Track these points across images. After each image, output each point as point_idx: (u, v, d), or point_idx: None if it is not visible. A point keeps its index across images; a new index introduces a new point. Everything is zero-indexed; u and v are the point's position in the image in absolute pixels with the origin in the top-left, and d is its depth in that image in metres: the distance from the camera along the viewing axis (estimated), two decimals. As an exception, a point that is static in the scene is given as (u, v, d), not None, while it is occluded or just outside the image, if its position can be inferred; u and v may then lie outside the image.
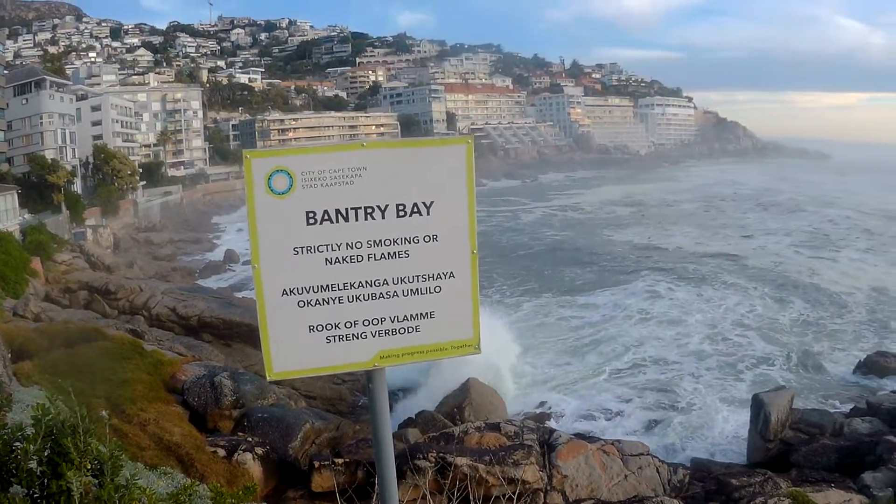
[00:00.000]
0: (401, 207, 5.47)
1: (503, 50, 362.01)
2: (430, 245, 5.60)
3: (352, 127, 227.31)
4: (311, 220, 5.33)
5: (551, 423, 33.78)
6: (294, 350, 5.51)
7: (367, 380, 5.81)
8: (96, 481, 6.25)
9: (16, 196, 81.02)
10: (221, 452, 23.96)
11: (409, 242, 5.54)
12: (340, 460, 24.91)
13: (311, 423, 27.27)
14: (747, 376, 44.78)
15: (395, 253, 5.53)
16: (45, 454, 5.79)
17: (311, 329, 5.47)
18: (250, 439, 25.41)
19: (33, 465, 6.23)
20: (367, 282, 5.51)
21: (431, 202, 5.55)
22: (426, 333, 5.70)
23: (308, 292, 5.44)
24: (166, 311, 57.79)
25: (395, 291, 5.58)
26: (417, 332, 5.69)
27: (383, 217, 5.46)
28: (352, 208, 5.37)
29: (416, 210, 5.52)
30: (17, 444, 6.14)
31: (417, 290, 5.62)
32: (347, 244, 5.41)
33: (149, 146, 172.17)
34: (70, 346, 30.72)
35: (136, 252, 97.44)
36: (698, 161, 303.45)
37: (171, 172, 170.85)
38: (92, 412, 6.81)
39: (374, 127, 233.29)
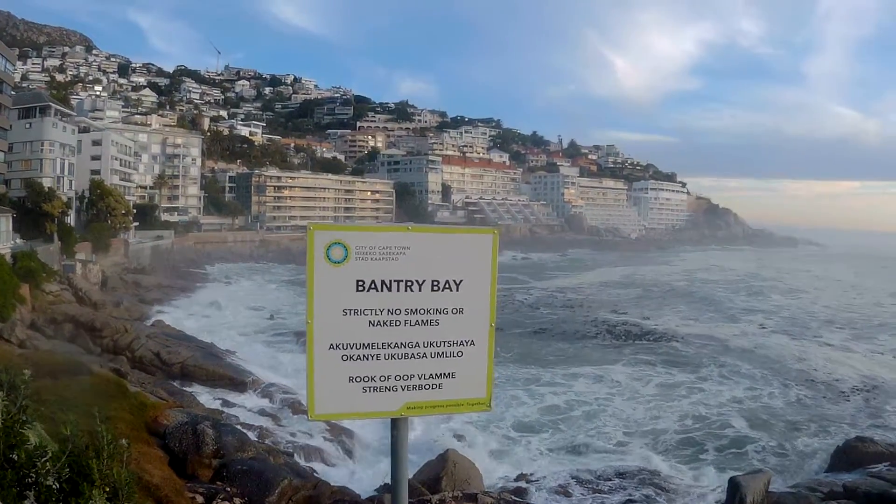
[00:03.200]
0: (435, 283, 6.39)
1: (502, 125, 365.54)
2: (456, 316, 6.47)
3: (348, 191, 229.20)
4: (360, 288, 6.15)
5: (529, 497, 33.72)
6: (334, 395, 6.26)
7: (392, 428, 6.48)
8: (110, 504, 6.41)
9: (10, 219, 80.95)
10: (200, 499, 23.89)
11: (440, 313, 6.41)
12: (316, 518, 24.89)
13: (290, 479, 27.15)
14: (727, 457, 44.83)
15: (427, 321, 6.36)
16: (66, 472, 6.15)
17: (350, 379, 6.23)
18: (229, 489, 25.34)
19: (51, 481, 6.35)
20: (401, 343, 6.29)
21: (461, 280, 6.47)
22: (447, 390, 6.54)
23: (351, 348, 6.20)
24: (150, 354, 57.64)
25: (424, 353, 6.39)
26: (440, 388, 6.52)
27: (420, 290, 6.32)
28: (395, 280, 6.22)
29: (447, 286, 6.43)
30: (37, 460, 6.26)
31: (443, 353, 6.46)
32: (389, 310, 6.22)
33: (145, 188, 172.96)
34: (55, 377, 30.59)
35: (123, 292, 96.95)
36: (690, 246, 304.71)
37: (165, 217, 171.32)
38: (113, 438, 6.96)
39: (369, 193, 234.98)
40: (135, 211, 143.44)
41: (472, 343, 6.51)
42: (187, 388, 50.36)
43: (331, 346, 6.15)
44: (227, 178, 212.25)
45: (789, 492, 33.40)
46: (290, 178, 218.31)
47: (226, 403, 47.57)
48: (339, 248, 6.06)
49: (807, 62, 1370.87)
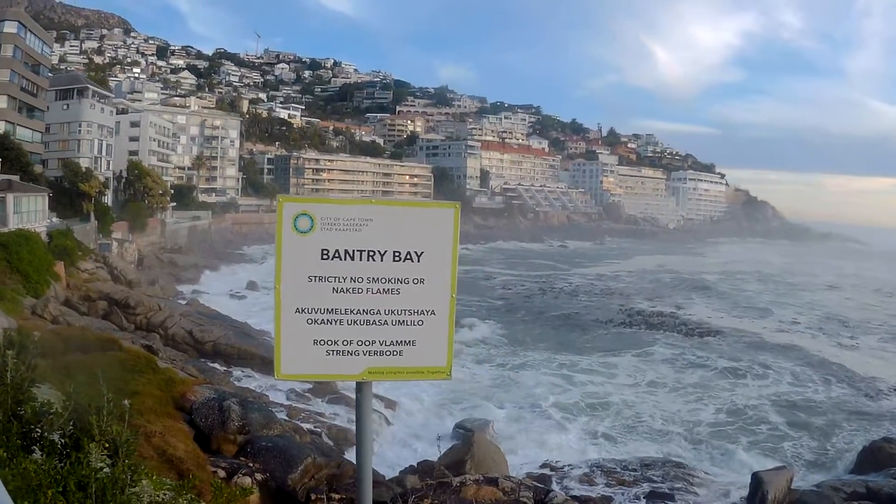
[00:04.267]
0: (396, 254, 6.71)
1: (542, 112, 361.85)
2: (417, 286, 6.80)
3: (385, 175, 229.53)
4: (325, 256, 6.56)
5: (553, 484, 33.62)
6: (300, 357, 6.64)
7: (356, 391, 6.88)
8: (110, 461, 6.75)
9: (47, 199, 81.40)
10: (222, 473, 24.00)
11: (401, 282, 6.75)
12: (337, 496, 25.08)
13: (314, 457, 27.21)
14: (758, 452, 44.05)
15: (388, 289, 6.72)
16: (69, 429, 6.39)
17: (315, 342, 6.62)
18: (251, 465, 25.50)
19: (56, 437, 6.70)
20: (364, 310, 6.68)
21: (422, 252, 6.78)
22: (408, 357, 6.85)
23: (316, 312, 6.60)
24: (183, 332, 58.16)
25: (385, 320, 6.74)
26: (401, 355, 6.84)
27: (382, 260, 6.68)
28: (358, 250, 6.61)
29: (409, 257, 6.74)
30: (43, 417, 6.62)
31: (404, 321, 6.79)
32: (352, 278, 6.63)
33: (182, 169, 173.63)
34: (85, 351, 30.83)
35: (158, 271, 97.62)
36: (726, 238, 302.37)
37: (203, 198, 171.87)
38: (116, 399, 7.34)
39: (407, 177, 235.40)
40: (172, 191, 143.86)
41: (433, 313, 6.83)
42: (219, 367, 51.06)
43: (297, 310, 6.56)
44: (266, 160, 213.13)
45: (813, 490, 33.34)
46: (329, 160, 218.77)
47: (256, 382, 47.83)
48: (306, 219, 6.43)
49: (847, 57, 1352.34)
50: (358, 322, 6.59)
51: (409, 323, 6.73)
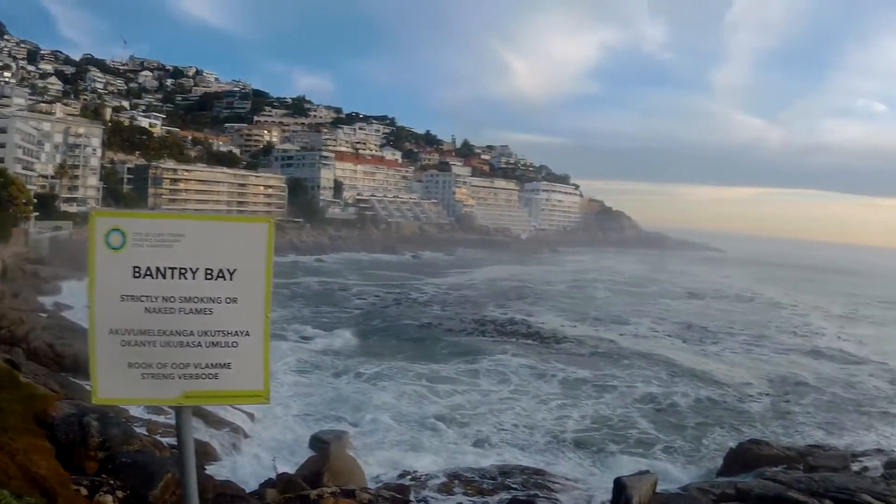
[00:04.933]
0: (209, 271, 6.51)
1: (396, 123, 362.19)
2: (230, 306, 6.59)
3: (241, 185, 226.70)
4: (137, 275, 6.33)
5: (410, 494, 32.74)
6: (116, 381, 6.42)
7: (175, 416, 6.76)
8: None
9: None
10: (84, 491, 23.96)
11: (214, 302, 6.54)
12: (195, 513, 24.94)
13: (174, 472, 27.09)
14: (624, 457, 44.34)
15: (201, 309, 6.51)
16: None
17: (130, 365, 6.39)
18: (112, 482, 25.36)
19: None
20: (177, 331, 6.45)
21: (234, 269, 6.58)
22: (224, 381, 6.66)
23: (129, 334, 6.36)
24: (44, 345, 56.35)
25: (199, 342, 6.53)
26: (217, 379, 6.63)
27: (194, 278, 6.47)
28: (170, 268, 6.38)
29: (221, 275, 6.54)
30: None
31: (218, 343, 6.58)
32: (164, 297, 6.39)
33: (46, 177, 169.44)
34: (-56, 363, 30.72)
35: (23, 282, 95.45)
36: (580, 248, 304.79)
37: (64, 207, 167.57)
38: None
39: (262, 188, 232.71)
40: (35, 201, 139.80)
41: (247, 333, 6.66)
42: (79, 381, 48.17)
43: (110, 332, 6.34)
44: (126, 169, 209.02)
45: (679, 493, 33.49)
46: (186, 170, 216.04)
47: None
48: (118, 235, 6.28)
49: (713, 70, 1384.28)
50: (172, 344, 6.41)
51: (223, 344, 6.58)
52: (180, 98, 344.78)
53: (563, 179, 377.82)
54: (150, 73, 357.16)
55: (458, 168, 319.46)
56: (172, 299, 6.41)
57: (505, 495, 33.64)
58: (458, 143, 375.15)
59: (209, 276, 6.52)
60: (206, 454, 35.20)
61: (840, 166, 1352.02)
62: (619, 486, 30.21)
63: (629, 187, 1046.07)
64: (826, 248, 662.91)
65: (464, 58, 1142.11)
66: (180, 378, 6.51)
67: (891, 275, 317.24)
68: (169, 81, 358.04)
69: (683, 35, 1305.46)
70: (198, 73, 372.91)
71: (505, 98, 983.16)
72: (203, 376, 6.59)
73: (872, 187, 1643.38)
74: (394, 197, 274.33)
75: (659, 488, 32.74)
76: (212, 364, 6.59)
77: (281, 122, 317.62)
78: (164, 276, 6.38)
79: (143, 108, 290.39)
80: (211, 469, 32.38)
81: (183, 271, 6.43)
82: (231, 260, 6.59)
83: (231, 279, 6.58)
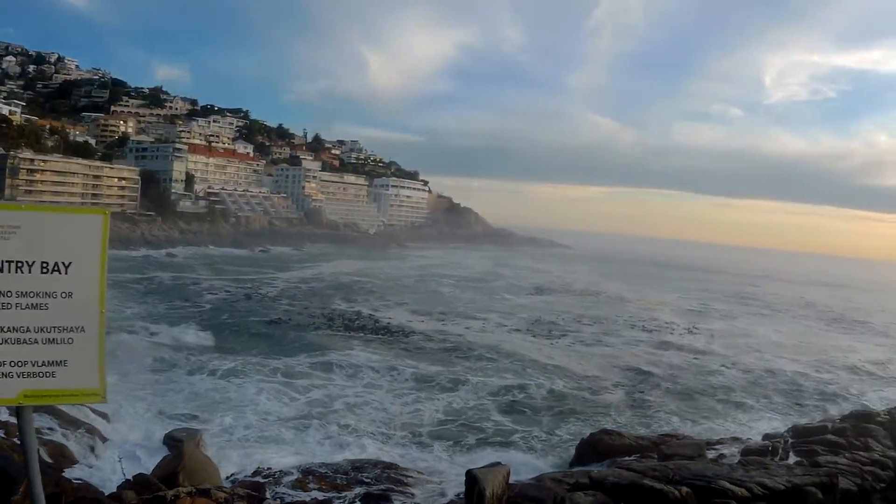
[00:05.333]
0: (44, 265, 6.32)
1: (250, 116, 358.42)
2: (66, 301, 6.41)
3: (96, 177, 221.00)
4: None
5: (265, 492, 32.71)
6: None
7: (16, 416, 6.60)
8: None
9: None
10: (-65, 501, 23.64)
11: (49, 297, 6.35)
12: (59, 514, 24.67)
13: (38, 476, 26.51)
14: (478, 449, 43.86)
15: (37, 304, 6.32)
16: None
17: None
18: (-30, 489, 24.84)
19: None
20: (14, 327, 6.24)
21: (70, 263, 6.40)
22: (61, 379, 6.42)
23: None
24: None
25: (36, 339, 6.32)
26: (54, 377, 6.40)
27: (30, 271, 6.28)
28: (6, 261, 6.21)
29: (56, 268, 6.35)
30: None
31: (54, 339, 6.38)
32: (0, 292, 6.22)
33: None
34: None
35: None
36: (428, 243, 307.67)
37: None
38: None
39: (116, 179, 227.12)
40: None
41: (82, 330, 6.44)
42: None
43: None
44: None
45: (532, 483, 32.44)
46: (43, 161, 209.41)
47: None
48: None
49: (570, 72, 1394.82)
50: (9, 341, 6.15)
51: (59, 341, 6.34)
52: (41, 85, 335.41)
53: (413, 176, 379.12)
54: (14, 59, 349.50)
55: (309, 162, 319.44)
56: (9, 294, 6.27)
57: (360, 490, 33.15)
58: (310, 137, 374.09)
59: (45, 270, 6.37)
60: (63, 457, 33.72)
61: (694, 168, 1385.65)
62: (472, 479, 28.79)
63: (480, 184, 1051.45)
64: (678, 246, 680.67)
65: (321, 51, 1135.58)
66: (18, 377, 6.32)
67: (739, 271, 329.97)
68: (31, 67, 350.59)
69: (543, 38, 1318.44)
70: (60, 59, 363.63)
71: (360, 93, 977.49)
72: (41, 374, 6.40)
73: (726, 188, 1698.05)
74: (244, 191, 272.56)
75: (513, 479, 31.50)
76: (49, 361, 6.42)
77: (137, 113, 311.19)
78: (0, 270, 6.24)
79: (4, 94, 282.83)
80: (69, 472, 30.55)
81: (19, 264, 6.28)
82: (66, 253, 6.43)
83: (66, 273, 6.44)
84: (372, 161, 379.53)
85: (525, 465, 40.63)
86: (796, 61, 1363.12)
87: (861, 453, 43.61)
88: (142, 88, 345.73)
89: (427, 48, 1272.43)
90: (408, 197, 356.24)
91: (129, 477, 29.71)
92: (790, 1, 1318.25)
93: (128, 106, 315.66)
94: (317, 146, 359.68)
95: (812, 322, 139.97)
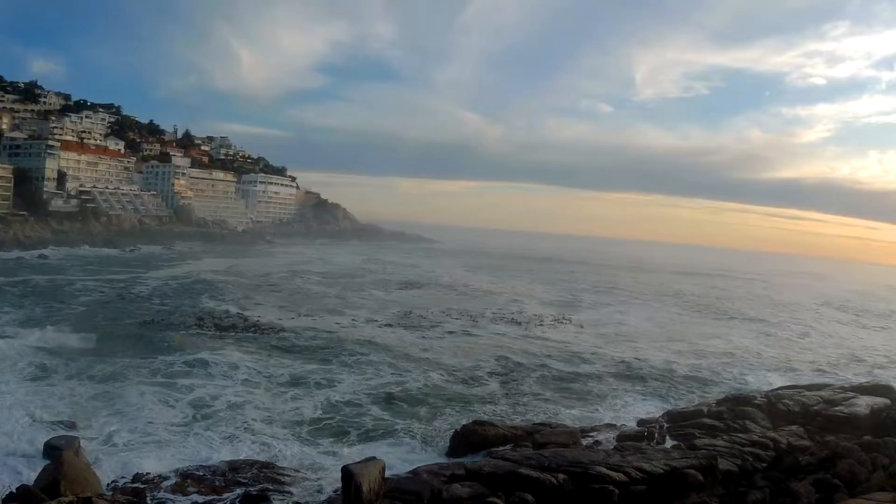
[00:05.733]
0: None
1: (122, 112, 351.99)
2: None
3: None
4: None
5: (145, 497, 32.94)
6: None
7: None
8: None
9: None
10: None
11: None
12: None
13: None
14: (356, 444, 44.87)
15: None
16: None
17: None
18: None
19: None
20: None
21: None
22: None
23: None
24: None
25: None
26: None
27: None
28: None
29: None
30: None
31: None
32: None
33: None
34: None
35: None
36: (295, 240, 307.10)
37: None
38: None
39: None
40: None
41: None
42: None
43: None
44: None
45: (408, 476, 34.01)
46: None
47: None
48: None
49: (439, 69, 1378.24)
50: None
51: None
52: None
53: (281, 172, 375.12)
54: None
55: (179, 159, 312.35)
56: None
57: (239, 491, 34.15)
58: (181, 133, 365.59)
59: None
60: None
61: (563, 162, 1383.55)
62: (347, 474, 30.53)
63: (348, 180, 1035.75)
64: (547, 239, 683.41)
65: (194, 46, 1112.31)
66: None
67: (609, 262, 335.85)
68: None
69: (414, 34, 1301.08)
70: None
71: (231, 89, 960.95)
72: None
73: (595, 182, 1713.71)
74: (115, 188, 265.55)
75: (391, 472, 33.77)
76: None
77: (11, 109, 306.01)
78: None
79: None
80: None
81: None
82: None
83: None
84: (241, 157, 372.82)
85: (402, 458, 41.85)
86: (670, 59, 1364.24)
87: (740, 435, 47.36)
88: (17, 83, 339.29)
89: (299, 43, 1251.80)
90: (276, 193, 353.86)
91: (14, 489, 31.21)
92: (667, 1, 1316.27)
93: (2, 101, 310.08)
94: (187, 142, 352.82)
95: (682, 310, 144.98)
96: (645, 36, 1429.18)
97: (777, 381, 73.28)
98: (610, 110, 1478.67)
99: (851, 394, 60.12)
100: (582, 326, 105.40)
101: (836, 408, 55.96)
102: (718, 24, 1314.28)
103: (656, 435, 48.75)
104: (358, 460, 33.95)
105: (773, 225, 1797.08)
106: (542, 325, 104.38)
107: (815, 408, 56.40)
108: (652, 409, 59.21)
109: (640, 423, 53.35)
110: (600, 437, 48.47)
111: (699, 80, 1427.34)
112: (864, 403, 56.41)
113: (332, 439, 46.11)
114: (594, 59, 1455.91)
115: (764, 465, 41.66)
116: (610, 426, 52.17)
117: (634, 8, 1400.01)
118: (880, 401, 57.57)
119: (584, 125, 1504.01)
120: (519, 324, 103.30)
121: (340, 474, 31.13)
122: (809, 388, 63.91)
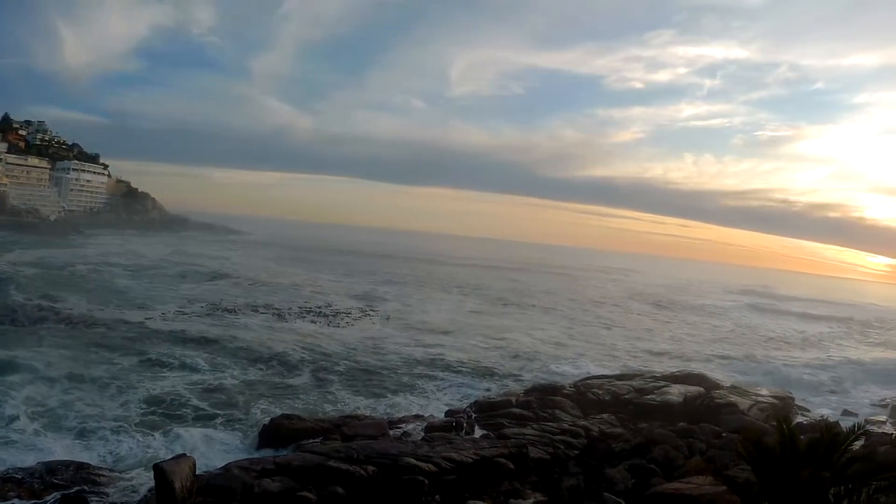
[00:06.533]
0: None
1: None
2: None
3: None
4: None
5: None
6: None
7: None
8: None
9: None
10: None
11: None
12: None
13: None
14: (172, 441, 43.12)
15: None
16: None
17: None
18: None
19: None
20: None
21: None
22: None
23: None
24: None
25: None
26: None
27: None
28: None
29: None
30: None
31: None
32: None
33: None
34: None
35: None
36: (105, 230, 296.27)
37: None
38: None
39: None
40: None
41: None
42: None
43: None
44: None
45: (219, 472, 34.39)
46: None
47: None
48: None
49: (255, 57, 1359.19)
50: None
51: None
52: None
53: (93, 159, 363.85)
54: None
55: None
56: None
57: (57, 494, 33.36)
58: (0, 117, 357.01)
59: None
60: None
61: (373, 156, 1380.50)
62: (159, 473, 30.70)
63: (161, 169, 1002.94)
64: (355, 231, 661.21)
65: (20, 24, 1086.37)
66: None
67: (416, 255, 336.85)
68: None
69: (232, 21, 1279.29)
70: None
71: (53, 71, 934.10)
72: None
73: (405, 176, 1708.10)
74: None
75: (203, 468, 34.68)
76: None
77: None
78: None
79: None
80: None
81: None
82: None
83: None
84: (56, 143, 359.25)
85: (214, 453, 41.85)
86: (486, 58, 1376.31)
87: (550, 424, 50.57)
88: None
89: (123, 25, 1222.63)
90: (88, 181, 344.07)
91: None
92: (489, 2, 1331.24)
93: None
94: (5, 126, 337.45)
95: (487, 302, 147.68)
96: (463, 34, 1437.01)
97: (586, 370, 75.98)
98: (423, 106, 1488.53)
99: (663, 382, 63.60)
100: (388, 318, 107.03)
101: (648, 396, 59.19)
102: (537, 25, 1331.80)
103: (465, 425, 49.89)
104: (169, 458, 34.48)
105: (587, 222, 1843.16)
106: (348, 316, 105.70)
107: (626, 396, 59.39)
108: (459, 399, 60.93)
109: (448, 413, 54.66)
110: (408, 427, 49.42)
111: (515, 79, 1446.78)
112: (676, 391, 59.97)
113: (148, 436, 44.70)
114: (411, 55, 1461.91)
115: (576, 452, 43.88)
116: (417, 417, 53.15)
117: (454, 5, 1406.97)
118: (693, 389, 61.38)
119: (396, 120, 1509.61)
120: (326, 315, 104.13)
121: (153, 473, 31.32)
122: (619, 377, 67.09)
